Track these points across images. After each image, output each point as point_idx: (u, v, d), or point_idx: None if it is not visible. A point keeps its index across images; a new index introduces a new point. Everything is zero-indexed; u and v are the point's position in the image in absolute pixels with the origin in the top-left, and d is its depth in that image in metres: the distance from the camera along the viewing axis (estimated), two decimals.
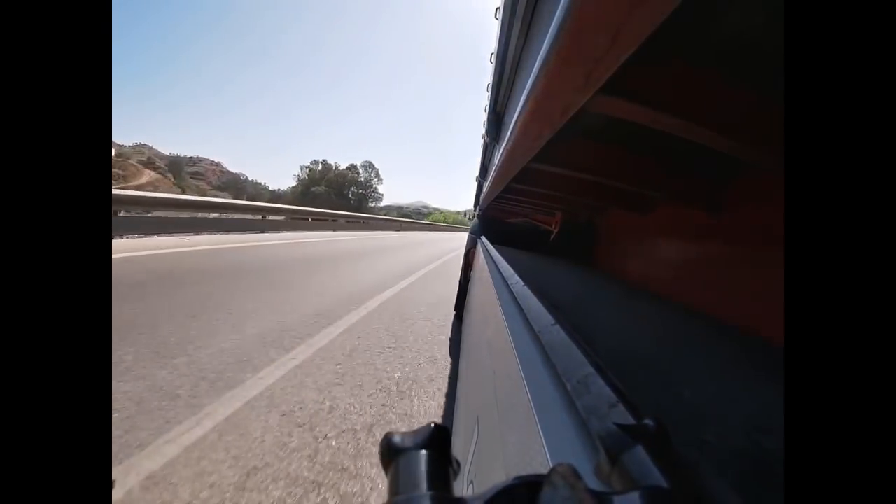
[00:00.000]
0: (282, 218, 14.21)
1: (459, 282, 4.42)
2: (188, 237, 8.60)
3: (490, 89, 1.34)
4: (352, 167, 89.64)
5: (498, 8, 0.95)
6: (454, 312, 4.65)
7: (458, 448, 0.87)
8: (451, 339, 3.82)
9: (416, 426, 0.27)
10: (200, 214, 10.68)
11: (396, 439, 0.25)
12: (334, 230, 18.10)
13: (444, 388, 2.72)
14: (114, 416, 1.91)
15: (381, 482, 1.66)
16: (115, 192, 7.16)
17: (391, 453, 0.24)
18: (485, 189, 3.52)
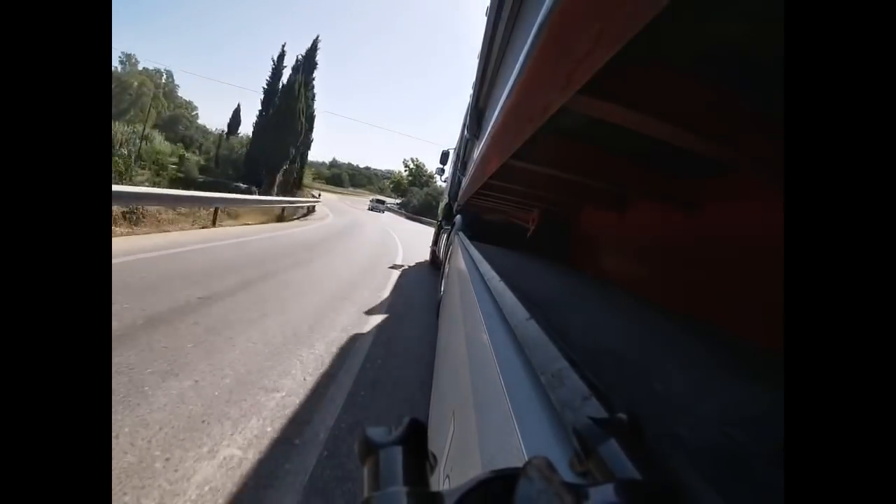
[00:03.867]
0: None
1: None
2: None
3: (474, 85, 1.34)
4: None
5: (487, 6, 0.95)
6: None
7: (435, 442, 0.87)
8: None
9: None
10: None
11: (373, 435, 0.25)
12: None
13: None
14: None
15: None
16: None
17: (369, 449, 0.24)
18: (463, 184, 3.53)
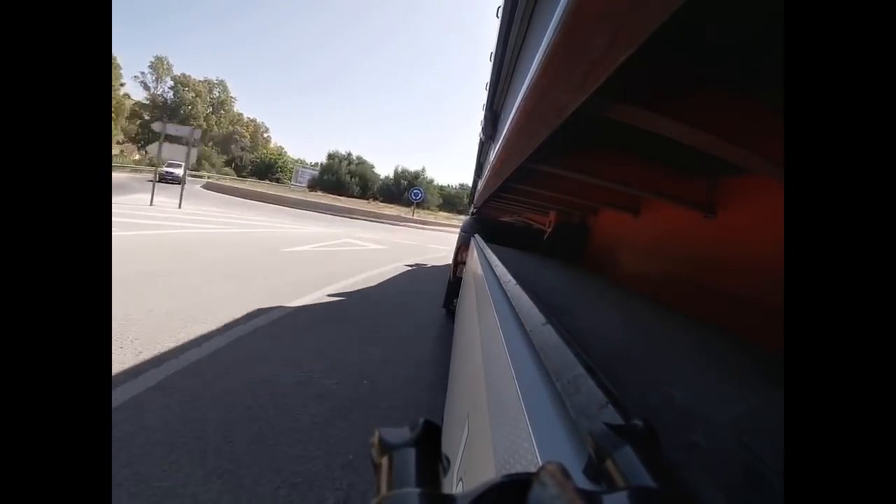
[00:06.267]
0: None
1: (448, 279, 4.58)
2: None
3: (488, 87, 1.34)
4: None
5: (499, 7, 0.95)
6: (444, 308, 4.87)
7: (449, 445, 0.87)
8: None
9: None
10: None
11: (387, 435, 0.25)
12: None
13: None
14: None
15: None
16: None
17: (382, 449, 0.24)
18: (479, 187, 3.53)
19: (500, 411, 0.56)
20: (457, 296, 4.14)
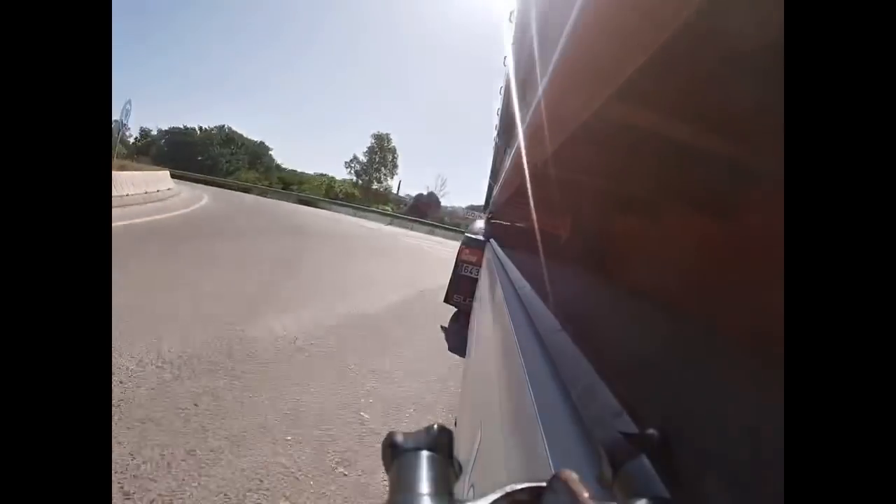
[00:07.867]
0: None
1: (451, 277, 4.97)
2: None
3: (502, 93, 1.34)
4: None
5: (512, 12, 0.95)
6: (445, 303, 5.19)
7: (461, 450, 0.87)
8: None
9: None
10: None
11: (399, 439, 0.25)
12: None
13: None
14: None
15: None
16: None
17: (393, 453, 0.24)
18: (494, 192, 3.54)
19: (514, 417, 0.56)
20: (457, 291, 4.73)
